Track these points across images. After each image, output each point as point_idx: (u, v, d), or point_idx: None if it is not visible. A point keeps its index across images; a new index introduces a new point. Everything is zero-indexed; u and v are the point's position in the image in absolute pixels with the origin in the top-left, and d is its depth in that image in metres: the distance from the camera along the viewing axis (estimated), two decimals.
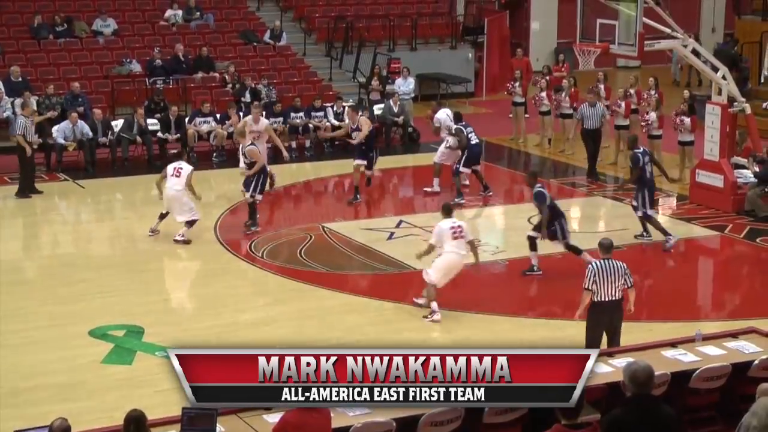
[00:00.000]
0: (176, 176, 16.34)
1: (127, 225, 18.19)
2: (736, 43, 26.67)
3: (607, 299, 11.08)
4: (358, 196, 18.64)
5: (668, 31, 18.22)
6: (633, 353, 10.14)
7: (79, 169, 21.28)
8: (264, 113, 19.73)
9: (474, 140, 18.67)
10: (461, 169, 18.58)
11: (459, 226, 13.32)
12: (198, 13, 26.95)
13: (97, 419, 10.02)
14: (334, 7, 29.03)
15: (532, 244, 14.99)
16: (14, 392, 11.27)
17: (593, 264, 11.16)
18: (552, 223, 14.80)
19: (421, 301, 13.60)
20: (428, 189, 19.39)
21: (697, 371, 9.83)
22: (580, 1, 18.53)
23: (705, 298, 15.40)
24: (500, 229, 18.02)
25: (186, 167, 16.44)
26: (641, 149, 16.45)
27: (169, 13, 26.70)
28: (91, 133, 21.27)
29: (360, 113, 19.20)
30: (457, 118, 19.04)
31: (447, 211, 13.55)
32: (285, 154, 19.13)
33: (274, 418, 8.58)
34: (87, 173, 21.05)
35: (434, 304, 13.36)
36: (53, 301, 14.12)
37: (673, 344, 10.69)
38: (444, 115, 19.64)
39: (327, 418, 8.09)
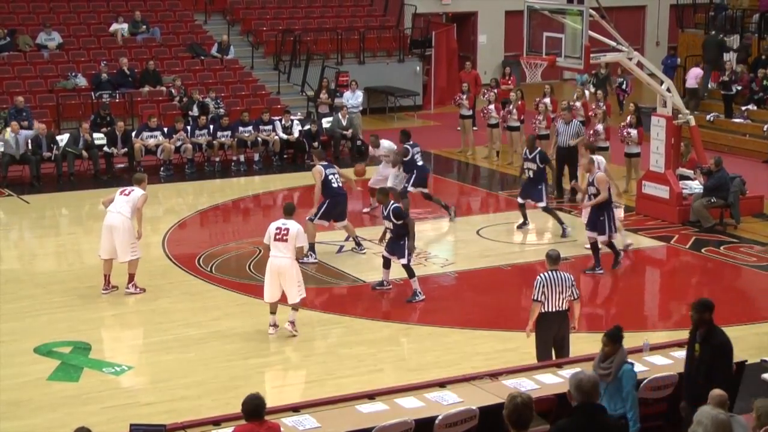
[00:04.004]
0: (125, 195, 14.71)
1: (73, 240, 17.99)
2: (721, 31, 27.43)
3: (554, 310, 11.16)
4: None
5: (613, 44, 18.41)
6: (582, 364, 10.18)
7: (24, 184, 21.05)
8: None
9: (420, 162, 18.21)
10: (409, 188, 18.07)
11: (286, 229, 12.97)
12: (144, 27, 26.78)
13: None
14: (282, 21, 29.01)
15: (386, 262, 14.75)
16: None
17: (541, 275, 11.22)
18: (403, 239, 14.39)
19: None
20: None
21: (645, 381, 9.90)
22: (526, 15, 18.66)
23: (652, 308, 15.53)
24: (449, 241, 18.06)
25: (138, 190, 14.75)
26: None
27: (114, 26, 26.50)
28: (32, 132, 21.07)
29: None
30: (405, 136, 18.40)
31: (288, 212, 13.27)
32: None
33: None
34: (32, 188, 20.82)
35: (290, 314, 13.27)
36: None
37: None
38: (389, 144, 18.88)
39: None
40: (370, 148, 19.20)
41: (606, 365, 9.04)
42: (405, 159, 18.09)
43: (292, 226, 13.04)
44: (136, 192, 14.72)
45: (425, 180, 18.47)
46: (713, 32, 27.37)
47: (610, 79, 26.82)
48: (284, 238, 12.94)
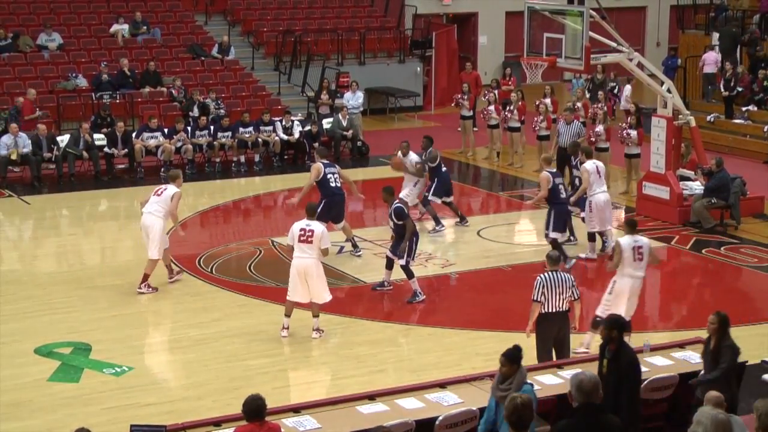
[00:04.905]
0: (157, 195, 14.87)
1: (74, 241, 17.98)
2: (733, 24, 27.57)
3: (554, 310, 11.17)
4: None
5: (614, 45, 18.41)
6: (582, 364, 10.21)
7: (24, 185, 21.05)
8: None
9: (443, 168, 17.85)
10: (430, 197, 17.81)
11: (311, 230, 12.99)
12: (145, 27, 26.78)
13: None
14: (283, 22, 29.02)
15: (389, 263, 14.73)
16: None
17: (541, 276, 11.23)
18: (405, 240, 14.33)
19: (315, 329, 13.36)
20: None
21: (645, 381, 9.91)
22: (527, 16, 18.66)
23: (652, 309, 15.52)
24: (449, 242, 18.04)
25: (171, 188, 14.89)
26: None
27: (115, 27, 26.50)
28: (30, 146, 20.99)
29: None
30: (429, 141, 17.91)
31: (310, 212, 13.34)
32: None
33: None
34: (33, 189, 20.82)
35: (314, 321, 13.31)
36: None
37: None
38: (416, 158, 17.96)
39: None
40: (399, 153, 18.07)
41: (504, 386, 8.74)
42: (432, 165, 17.75)
43: (317, 227, 13.06)
44: (169, 191, 14.80)
45: (449, 187, 18.05)
46: (727, 25, 27.48)
47: (607, 82, 26.81)
48: (309, 239, 12.94)
